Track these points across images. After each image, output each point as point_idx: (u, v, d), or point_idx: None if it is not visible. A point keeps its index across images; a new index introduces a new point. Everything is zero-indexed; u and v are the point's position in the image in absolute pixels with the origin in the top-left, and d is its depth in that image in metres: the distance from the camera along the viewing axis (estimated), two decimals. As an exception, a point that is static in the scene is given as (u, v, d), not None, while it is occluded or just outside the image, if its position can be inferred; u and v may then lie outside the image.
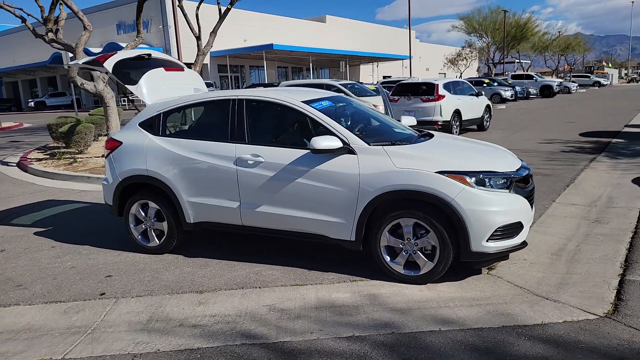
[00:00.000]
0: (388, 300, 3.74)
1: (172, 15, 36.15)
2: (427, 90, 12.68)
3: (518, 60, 51.42)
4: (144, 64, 5.33)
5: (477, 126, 14.52)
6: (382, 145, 4.10)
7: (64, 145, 12.66)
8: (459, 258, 3.84)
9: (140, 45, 12.77)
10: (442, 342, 3.06)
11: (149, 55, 5.40)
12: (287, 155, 4.25)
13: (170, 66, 5.58)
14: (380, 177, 3.90)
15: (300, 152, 4.21)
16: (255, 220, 4.48)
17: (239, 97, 4.58)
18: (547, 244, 4.74)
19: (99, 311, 3.82)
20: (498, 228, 3.74)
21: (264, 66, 39.25)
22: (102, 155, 5.41)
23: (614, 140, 11.85)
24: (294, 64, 48.00)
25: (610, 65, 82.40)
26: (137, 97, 5.17)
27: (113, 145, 5.06)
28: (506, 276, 4.04)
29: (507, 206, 3.78)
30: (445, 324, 3.29)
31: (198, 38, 18.77)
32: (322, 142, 3.98)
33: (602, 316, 3.28)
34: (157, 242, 4.95)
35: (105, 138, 14.45)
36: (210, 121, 4.88)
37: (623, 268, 4.05)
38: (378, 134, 4.52)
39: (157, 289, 4.16)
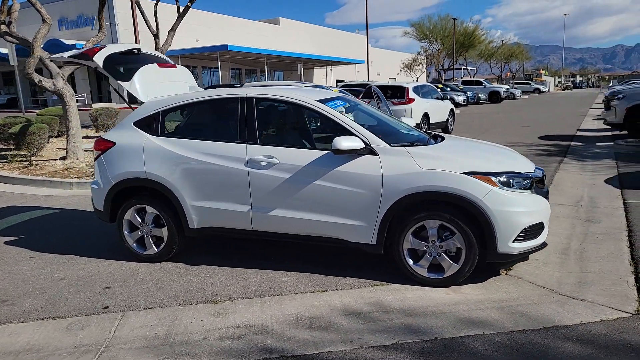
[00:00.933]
0: (416, 304, 3.65)
1: (119, 11, 34.86)
2: (397, 94, 12.80)
3: (465, 67, 53.38)
4: (134, 59, 4.99)
5: (441, 129, 14.82)
6: (403, 146, 4.01)
7: (14, 147, 11.78)
8: (484, 259, 3.81)
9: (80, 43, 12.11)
10: (490, 347, 2.99)
11: (139, 50, 5.07)
12: (303, 156, 4.08)
13: (162, 62, 5.26)
14: (404, 179, 3.81)
15: (318, 153, 4.05)
16: (267, 225, 4.27)
17: (248, 96, 4.36)
18: (551, 243, 4.81)
19: (107, 326, 3.50)
20: (524, 229, 3.74)
21: (217, 67, 38.46)
22: (91, 160, 4.99)
23: (572, 143, 12.43)
24: (248, 66, 47.39)
25: (546, 73, 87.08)
26: (124, 94, 4.82)
27: (104, 146, 4.69)
28: (525, 276, 4.06)
29: (532, 207, 3.79)
30: (484, 327, 3.24)
31: (156, 36, 18.12)
32: (345, 142, 3.85)
33: (634, 314, 3.34)
34: (155, 249, 4.62)
35: (60, 140, 13.59)
36: (215, 121, 4.62)
37: (633, 266, 4.16)
38: (392, 135, 4.43)
39: (166, 300, 3.87)
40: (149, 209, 4.56)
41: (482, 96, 34.14)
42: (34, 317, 3.67)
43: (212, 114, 4.65)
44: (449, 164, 3.80)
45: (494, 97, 35.65)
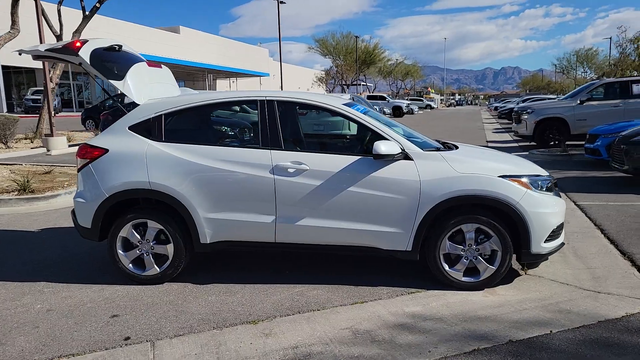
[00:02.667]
0: (463, 309, 3.63)
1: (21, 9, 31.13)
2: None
3: (364, 83, 55.79)
4: (118, 56, 4.44)
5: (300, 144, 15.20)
6: (435, 150, 4.01)
7: None
8: (519, 260, 3.91)
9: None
10: (568, 344, 3.05)
11: (120, 47, 4.52)
12: (335, 162, 3.90)
13: (149, 62, 4.75)
14: (442, 183, 3.80)
15: (350, 159, 3.90)
16: (293, 236, 4.00)
17: (268, 98, 4.08)
18: (543, 243, 5.11)
19: (142, 360, 3.01)
20: (553, 229, 3.91)
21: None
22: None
23: (492, 153, 13.44)
24: (146, 75, 44.98)
25: (433, 91, 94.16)
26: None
27: (93, 153, 4.09)
28: (544, 275, 4.23)
29: (557, 207, 3.98)
30: (546, 326, 3.30)
31: (59, 37, 16.52)
32: (385, 147, 3.75)
33: (662, 302, 3.62)
34: (158, 269, 4.10)
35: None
36: (231, 125, 4.24)
37: (628, 260, 4.54)
38: (414, 140, 4.40)
39: (196, 325, 3.43)
40: (151, 223, 4.04)
41: (386, 110, 35.82)
42: (40, 358, 3.04)
43: (225, 117, 4.27)
44: (483, 168, 3.87)
45: (397, 112, 37.69)
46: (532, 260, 3.93)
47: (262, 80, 55.58)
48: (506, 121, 32.06)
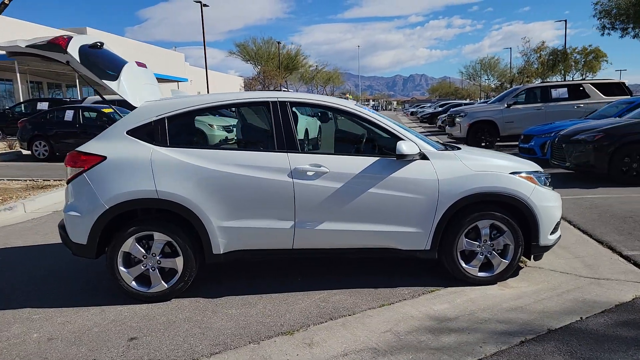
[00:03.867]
0: (488, 303, 3.71)
1: None
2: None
3: (285, 89, 55.79)
4: (106, 54, 4.07)
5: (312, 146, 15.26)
6: (446, 149, 4.09)
7: None
8: (528, 253, 4.09)
9: None
10: (604, 327, 3.23)
11: (102, 44, 4.14)
12: (355, 163, 3.84)
13: (127, 61, 4.38)
14: (458, 181, 3.88)
15: (369, 160, 3.87)
16: (312, 241, 3.87)
17: (280, 100, 3.93)
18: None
19: (187, 384, 2.75)
20: (557, 222, 4.14)
21: (12, 79, 32.95)
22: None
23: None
24: (51, 79, 41.62)
25: (351, 97, 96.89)
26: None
27: (88, 161, 3.70)
28: (544, 266, 4.45)
29: (558, 201, 4.21)
30: (573, 313, 3.46)
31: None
32: (406, 147, 3.77)
33: (659, 284, 3.96)
34: (165, 285, 3.79)
35: None
36: (242, 127, 4.03)
37: (607, 247, 4.92)
38: (423, 140, 4.42)
39: (229, 341, 3.21)
40: (157, 235, 3.72)
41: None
42: (65, 393, 2.68)
43: (235, 119, 4.04)
44: (494, 166, 4.00)
45: (323, 118, 38.17)
46: (540, 252, 4.12)
47: (180, 86, 53.61)
48: (427, 125, 33.73)
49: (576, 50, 38.41)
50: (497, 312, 3.55)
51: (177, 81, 49.89)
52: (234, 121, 16.98)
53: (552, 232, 4.12)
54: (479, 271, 4.04)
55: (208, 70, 63.37)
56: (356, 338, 3.22)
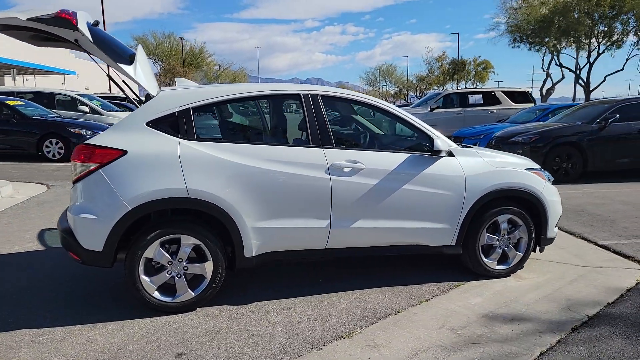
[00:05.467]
0: (513, 295, 3.85)
1: None
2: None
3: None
4: (108, 35, 3.60)
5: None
6: (468, 147, 4.18)
7: None
8: (537, 245, 4.31)
9: None
10: (632, 311, 3.49)
11: (98, 22, 3.64)
12: (389, 159, 3.78)
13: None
14: (483, 178, 3.98)
15: (402, 156, 3.83)
16: (346, 240, 3.74)
17: (312, 92, 3.74)
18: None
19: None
20: (560, 215, 4.42)
21: None
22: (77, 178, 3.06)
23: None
24: None
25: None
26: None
27: (107, 156, 3.22)
28: (540, 258, 4.73)
29: (559, 196, 4.50)
30: (595, 299, 3.72)
31: None
32: (441, 143, 3.81)
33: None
34: (192, 293, 3.42)
35: None
36: (272, 121, 3.76)
37: (580, 238, 5.38)
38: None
39: (290, 349, 2.98)
40: (185, 239, 3.35)
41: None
42: None
43: (264, 113, 3.77)
44: (511, 163, 4.18)
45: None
46: (547, 244, 4.37)
47: (67, 80, 48.96)
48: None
49: (468, 62, 41.95)
50: (529, 302, 3.69)
51: (64, 74, 45.66)
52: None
53: (556, 226, 4.40)
54: (497, 264, 4.18)
55: (98, 64, 58.74)
56: (416, 336, 3.16)
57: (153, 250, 3.31)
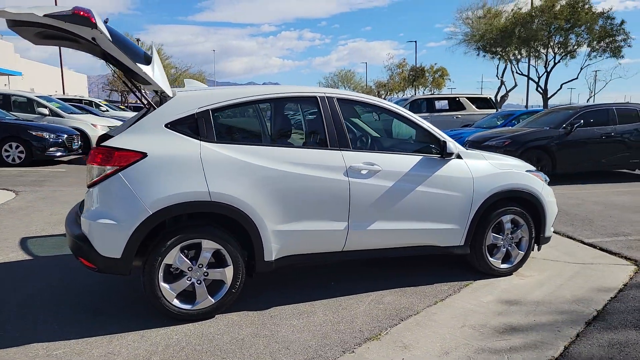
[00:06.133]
0: (520, 292, 3.97)
1: None
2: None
3: (145, 90, 51.58)
4: (120, 33, 3.47)
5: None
6: (474, 149, 4.29)
7: None
8: (536, 244, 4.47)
9: None
10: (634, 303, 3.69)
11: (107, 20, 3.52)
12: (403, 161, 3.83)
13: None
14: (489, 179, 4.10)
15: (415, 158, 3.89)
16: (362, 242, 3.76)
17: (327, 95, 3.73)
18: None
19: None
20: (555, 215, 4.61)
21: None
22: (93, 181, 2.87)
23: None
24: None
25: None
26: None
27: (126, 158, 3.09)
28: (537, 256, 4.89)
29: (554, 197, 4.69)
30: (598, 294, 3.90)
31: None
32: (453, 146, 3.89)
33: (636, 264, 4.63)
34: (212, 300, 3.33)
35: None
36: (286, 123, 3.71)
37: (565, 237, 5.62)
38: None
39: (323, 353, 2.96)
40: (206, 244, 3.26)
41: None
42: None
43: (282, 115, 3.72)
44: (512, 165, 4.32)
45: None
46: (545, 243, 4.54)
47: (12, 80, 46.48)
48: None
49: (426, 69, 43.25)
50: (538, 299, 3.82)
51: (8, 74, 43.47)
52: (115, 122, 15.38)
53: (552, 225, 4.58)
54: (502, 263, 4.31)
55: (42, 65, 56.30)
56: (442, 335, 3.21)
57: (173, 256, 3.20)
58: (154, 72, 3.28)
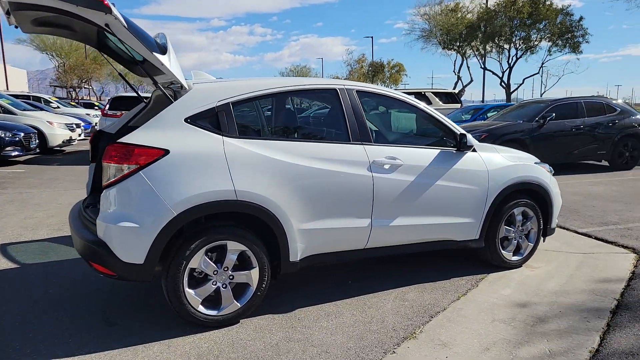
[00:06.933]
0: (536, 284, 3.99)
1: None
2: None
3: (89, 87, 49.35)
4: (131, 21, 3.21)
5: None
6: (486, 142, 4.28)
7: None
8: (543, 235, 4.52)
9: None
10: (647, 291, 3.78)
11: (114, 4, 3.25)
12: (424, 155, 3.76)
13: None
14: (501, 172, 4.10)
15: (434, 152, 3.83)
16: (384, 239, 3.66)
17: (347, 87, 3.61)
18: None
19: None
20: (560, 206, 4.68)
21: None
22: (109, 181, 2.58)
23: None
24: None
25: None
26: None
27: (147, 156, 2.85)
28: (539, 247, 4.89)
29: (559, 188, 4.75)
30: (609, 283, 3.98)
31: None
32: (471, 139, 3.85)
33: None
34: (238, 304, 3.15)
35: None
36: (306, 116, 3.55)
37: (560, 228, 5.75)
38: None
39: (365, 355, 2.85)
40: (231, 245, 3.07)
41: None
42: None
43: (302, 108, 3.55)
44: (521, 158, 4.34)
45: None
46: (551, 234, 4.59)
47: None
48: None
49: (384, 64, 43.78)
50: (555, 291, 3.85)
51: None
52: (70, 119, 14.58)
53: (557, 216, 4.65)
54: (513, 255, 4.32)
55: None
56: (476, 332, 3.17)
57: (198, 260, 2.99)
58: (171, 62, 3.04)
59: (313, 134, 3.65)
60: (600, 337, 3.07)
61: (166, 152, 2.89)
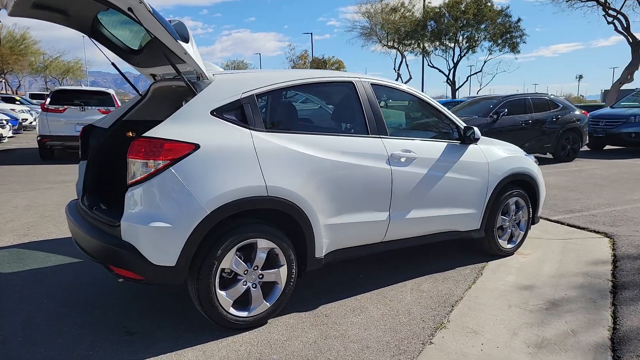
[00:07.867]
0: (533, 269, 4.19)
1: None
2: (104, 100, 10.82)
3: (3, 80, 45.44)
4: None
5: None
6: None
7: None
8: (532, 223, 4.74)
9: None
10: (636, 272, 4.07)
11: None
12: (435, 148, 3.83)
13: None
14: (499, 164, 4.26)
15: (443, 145, 3.91)
16: (400, 232, 3.69)
17: (362, 80, 3.58)
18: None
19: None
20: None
21: None
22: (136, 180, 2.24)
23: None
24: None
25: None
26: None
27: (177, 151, 2.67)
28: (530, 236, 5.17)
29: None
30: (598, 267, 4.24)
31: None
32: (478, 132, 3.95)
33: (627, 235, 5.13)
34: (267, 304, 3.05)
35: None
36: (326, 109, 3.47)
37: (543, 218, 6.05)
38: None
39: (405, 347, 2.85)
40: (261, 243, 2.96)
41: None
42: None
43: (320, 101, 3.47)
44: (513, 150, 4.53)
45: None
46: (537, 222, 4.83)
47: None
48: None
49: (326, 61, 44.19)
50: (552, 275, 4.06)
51: None
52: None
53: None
54: (507, 243, 4.51)
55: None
56: (498, 318, 3.27)
57: (230, 260, 2.85)
58: (194, 50, 2.87)
59: (334, 127, 3.59)
60: (612, 315, 3.27)
61: (197, 146, 2.73)
